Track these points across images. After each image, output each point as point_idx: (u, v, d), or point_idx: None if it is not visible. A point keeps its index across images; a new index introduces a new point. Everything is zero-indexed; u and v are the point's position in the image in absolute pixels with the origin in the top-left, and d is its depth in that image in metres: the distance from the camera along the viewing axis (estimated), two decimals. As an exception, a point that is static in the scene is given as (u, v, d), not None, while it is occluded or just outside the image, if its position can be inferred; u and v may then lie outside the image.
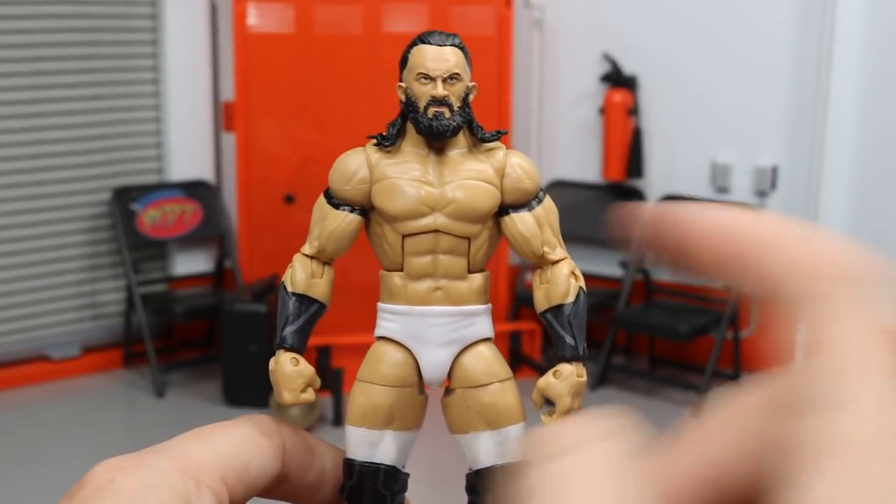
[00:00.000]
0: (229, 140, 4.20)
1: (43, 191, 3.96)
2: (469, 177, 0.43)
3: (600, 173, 4.22)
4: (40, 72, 3.87)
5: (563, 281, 0.44)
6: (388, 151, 0.43)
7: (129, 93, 4.12)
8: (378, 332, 0.44)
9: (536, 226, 0.44)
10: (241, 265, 4.07)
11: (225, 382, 3.73)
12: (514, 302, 4.17)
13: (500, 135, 0.44)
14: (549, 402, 0.43)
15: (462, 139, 0.44)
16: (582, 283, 0.44)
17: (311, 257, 0.46)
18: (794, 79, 3.83)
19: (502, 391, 0.43)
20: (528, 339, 4.04)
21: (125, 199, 4.04)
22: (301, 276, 0.45)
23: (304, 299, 0.45)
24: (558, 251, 0.44)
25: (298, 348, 0.44)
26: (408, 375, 0.43)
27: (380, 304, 0.44)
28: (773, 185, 3.92)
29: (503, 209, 0.44)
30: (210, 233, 4.19)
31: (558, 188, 4.28)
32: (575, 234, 4.25)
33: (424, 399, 0.45)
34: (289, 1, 3.79)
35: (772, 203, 3.93)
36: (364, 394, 0.43)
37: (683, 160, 4.10)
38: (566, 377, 0.43)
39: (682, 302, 4.02)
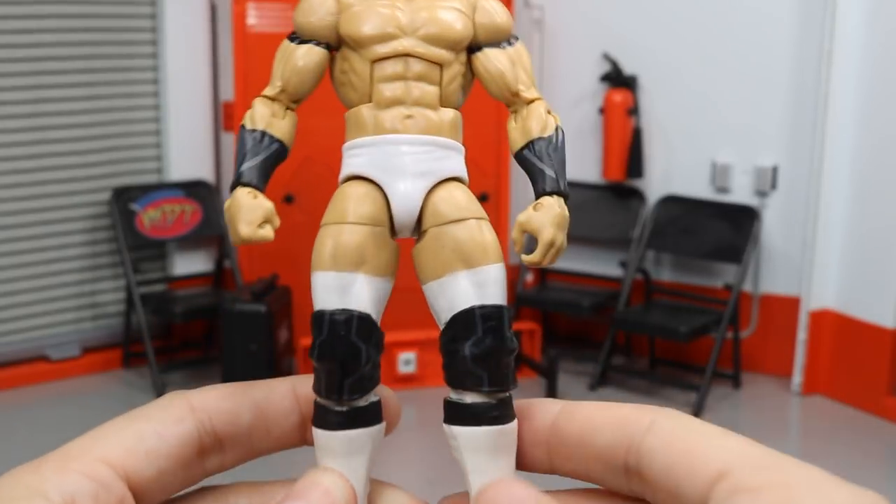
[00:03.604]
0: (229, 140, 4.20)
1: (43, 191, 3.96)
2: (440, 5, 0.41)
3: (600, 173, 4.22)
4: (40, 72, 3.87)
5: (539, 117, 0.42)
6: None
7: (129, 93, 4.11)
8: (344, 171, 0.41)
9: (510, 63, 0.42)
10: (241, 265, 4.07)
11: (224, 382, 3.72)
12: (514, 302, 4.17)
13: None
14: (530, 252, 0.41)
15: None
16: (560, 122, 0.43)
17: (273, 99, 0.43)
18: (795, 78, 3.82)
19: (479, 228, 0.40)
20: (528, 339, 4.04)
21: (125, 199, 4.03)
22: (261, 113, 0.42)
23: (263, 136, 0.42)
24: (533, 91, 0.43)
25: (257, 185, 0.40)
26: (378, 213, 0.40)
27: (345, 146, 0.42)
28: (773, 185, 3.92)
29: (476, 47, 0.42)
30: (209, 233, 4.19)
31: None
32: (575, 235, 4.24)
33: (396, 246, 0.41)
34: (289, 1, 3.79)
35: (772, 203, 3.93)
36: (331, 235, 0.40)
37: (683, 160, 4.10)
38: (547, 209, 0.40)
39: (682, 302, 4.02)
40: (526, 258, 0.40)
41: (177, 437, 0.38)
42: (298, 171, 3.74)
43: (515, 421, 0.40)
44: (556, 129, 0.42)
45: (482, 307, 0.39)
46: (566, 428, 0.39)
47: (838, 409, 3.74)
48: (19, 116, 3.86)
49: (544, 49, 4.26)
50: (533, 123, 0.42)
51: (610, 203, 4.24)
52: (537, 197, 0.41)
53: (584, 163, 4.26)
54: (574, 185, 4.24)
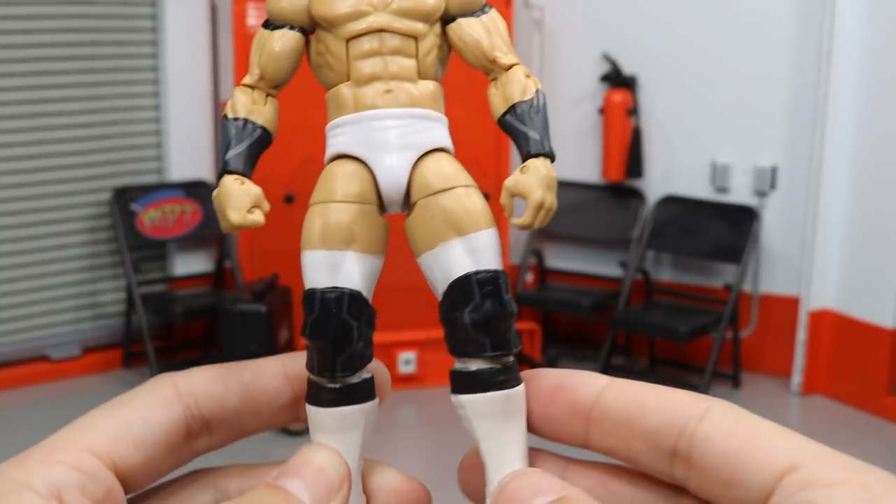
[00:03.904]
0: (229, 140, 4.20)
1: (43, 191, 3.96)
2: None
3: (600, 173, 4.22)
4: (40, 72, 3.87)
5: (518, 81, 0.42)
6: None
7: (129, 93, 4.11)
8: (329, 151, 0.41)
9: (485, 31, 0.42)
10: (241, 265, 4.07)
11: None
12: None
13: None
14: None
15: None
16: (540, 85, 0.42)
17: (252, 87, 0.44)
18: (794, 78, 3.83)
19: (467, 195, 0.40)
20: (528, 339, 4.04)
21: (125, 199, 4.04)
22: (242, 102, 0.43)
23: (246, 123, 0.42)
24: (511, 56, 0.42)
25: (244, 172, 0.40)
26: (365, 191, 0.40)
27: (327, 126, 0.42)
28: (773, 185, 3.92)
29: (450, 18, 0.42)
30: (210, 233, 4.19)
31: (558, 188, 4.27)
32: (575, 234, 4.26)
33: (386, 223, 0.41)
34: (289, 1, 3.79)
35: (772, 203, 3.94)
36: (319, 214, 0.40)
37: (683, 160, 4.10)
38: (534, 171, 0.41)
39: (682, 302, 4.03)
40: (516, 221, 0.41)
41: (163, 423, 0.38)
42: (298, 171, 3.74)
43: (523, 385, 0.40)
44: (537, 92, 0.42)
45: (477, 273, 0.39)
46: (613, 403, 0.38)
47: (838, 409, 3.75)
48: (19, 116, 3.86)
49: (544, 49, 4.26)
50: (513, 88, 0.42)
51: (610, 203, 4.24)
52: (524, 160, 0.41)
53: (584, 163, 4.26)
54: (574, 185, 4.24)
